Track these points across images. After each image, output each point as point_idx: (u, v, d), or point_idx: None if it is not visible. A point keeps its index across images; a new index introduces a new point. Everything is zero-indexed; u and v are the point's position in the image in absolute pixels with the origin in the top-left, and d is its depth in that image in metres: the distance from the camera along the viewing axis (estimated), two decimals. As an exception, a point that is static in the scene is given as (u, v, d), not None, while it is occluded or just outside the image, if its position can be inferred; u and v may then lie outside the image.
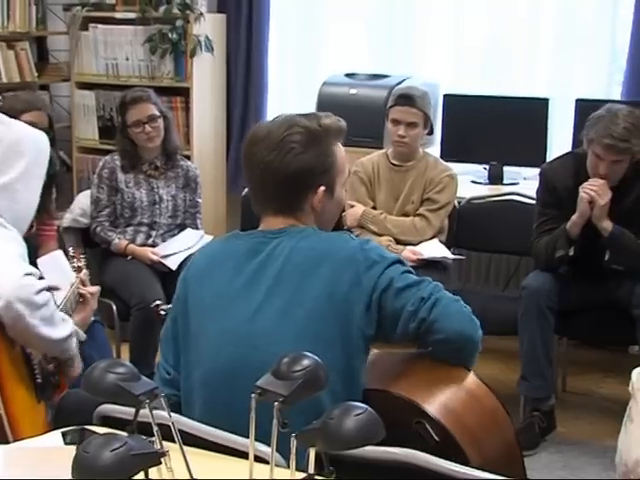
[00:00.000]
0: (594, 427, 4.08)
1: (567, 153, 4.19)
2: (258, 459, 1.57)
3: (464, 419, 2.04)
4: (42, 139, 2.78)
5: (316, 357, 1.53)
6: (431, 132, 4.45)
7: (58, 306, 2.70)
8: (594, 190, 3.79)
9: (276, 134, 2.17)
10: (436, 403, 2.05)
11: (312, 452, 1.40)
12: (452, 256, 4.32)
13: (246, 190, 4.71)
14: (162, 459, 1.34)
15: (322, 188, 2.19)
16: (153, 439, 1.41)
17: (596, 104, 3.95)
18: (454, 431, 1.98)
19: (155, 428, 1.43)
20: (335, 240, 2.18)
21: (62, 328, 2.57)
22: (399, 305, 2.09)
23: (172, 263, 4.29)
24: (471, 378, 2.15)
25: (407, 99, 4.24)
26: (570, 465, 3.82)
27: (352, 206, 4.37)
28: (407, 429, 1.99)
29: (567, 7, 5.14)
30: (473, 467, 1.86)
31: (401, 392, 2.07)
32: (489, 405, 2.12)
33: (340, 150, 2.24)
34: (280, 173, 2.15)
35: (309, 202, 2.20)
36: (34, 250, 3.96)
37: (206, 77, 5.56)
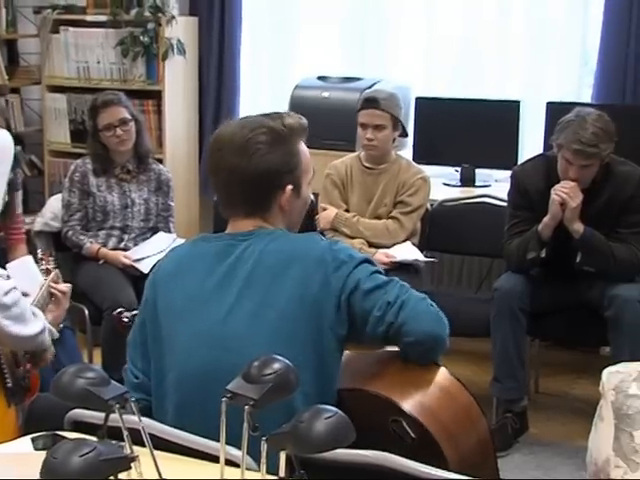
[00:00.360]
0: (566, 428, 4.10)
1: (538, 155, 4.21)
2: (229, 462, 1.57)
3: (440, 416, 2.05)
4: (5, 137, 2.77)
5: (287, 360, 1.53)
6: (405, 134, 4.46)
7: None
8: (565, 192, 3.81)
9: (240, 136, 2.17)
10: (412, 401, 2.05)
11: (283, 455, 1.40)
12: (424, 258, 4.33)
13: (219, 193, 4.72)
14: (132, 464, 1.34)
15: (290, 187, 2.19)
16: (123, 444, 1.41)
17: (566, 107, 3.98)
18: (431, 428, 1.98)
19: (125, 433, 1.42)
20: (304, 241, 2.18)
21: (34, 324, 2.56)
22: (367, 307, 2.09)
23: (144, 267, 4.27)
24: (445, 375, 2.16)
25: (371, 102, 4.25)
26: (543, 466, 3.83)
27: (325, 209, 4.37)
28: (384, 427, 2.00)
29: (538, 10, 5.16)
30: (449, 462, 1.89)
31: (377, 390, 2.07)
32: (463, 401, 2.13)
33: (304, 149, 2.25)
34: (247, 175, 2.14)
35: (277, 202, 2.19)
36: (3, 254, 3.97)
37: (178, 80, 5.54)
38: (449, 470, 1.75)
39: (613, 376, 1.43)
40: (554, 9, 5.15)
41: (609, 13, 4.84)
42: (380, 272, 2.17)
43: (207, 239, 2.27)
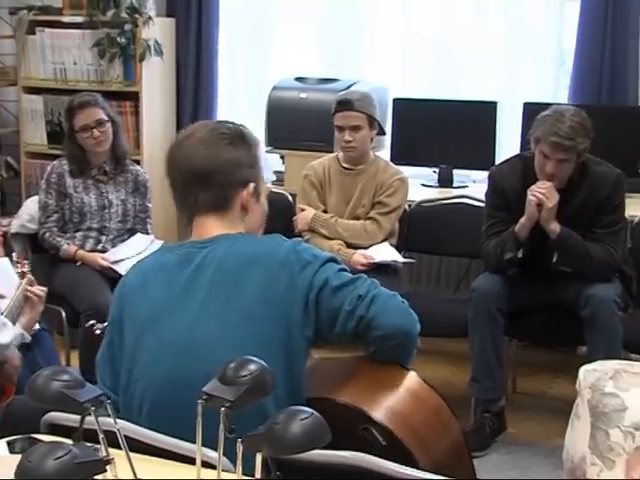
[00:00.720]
0: (544, 427, 4.11)
1: (515, 156, 4.23)
2: (206, 465, 1.57)
3: (410, 421, 2.05)
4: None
5: (262, 362, 1.53)
6: (382, 132, 4.47)
7: (1, 313, 2.68)
8: (542, 192, 3.82)
9: (203, 132, 2.19)
10: (381, 408, 2.04)
11: (259, 457, 1.40)
12: (403, 259, 4.34)
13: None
14: (107, 466, 1.33)
15: (252, 184, 2.19)
16: (99, 446, 1.40)
17: (543, 107, 3.98)
18: (401, 434, 1.98)
19: (101, 435, 1.42)
20: (267, 242, 2.17)
21: (3, 334, 2.54)
22: (336, 304, 2.08)
23: (122, 268, 4.24)
24: (413, 379, 2.16)
25: (345, 104, 4.26)
26: (520, 465, 3.85)
27: (303, 210, 4.37)
28: (354, 436, 1.99)
29: (514, 11, 5.19)
30: (422, 468, 1.87)
31: (345, 399, 2.06)
32: (433, 404, 2.13)
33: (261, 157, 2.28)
34: (211, 164, 2.14)
35: (239, 199, 2.18)
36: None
37: (155, 81, 5.53)
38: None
39: (590, 374, 1.44)
40: (531, 10, 5.18)
41: (585, 14, 4.87)
42: (346, 270, 2.17)
43: (170, 249, 2.26)
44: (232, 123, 2.25)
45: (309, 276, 2.08)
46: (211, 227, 2.18)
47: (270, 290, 2.07)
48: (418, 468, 1.85)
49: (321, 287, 2.08)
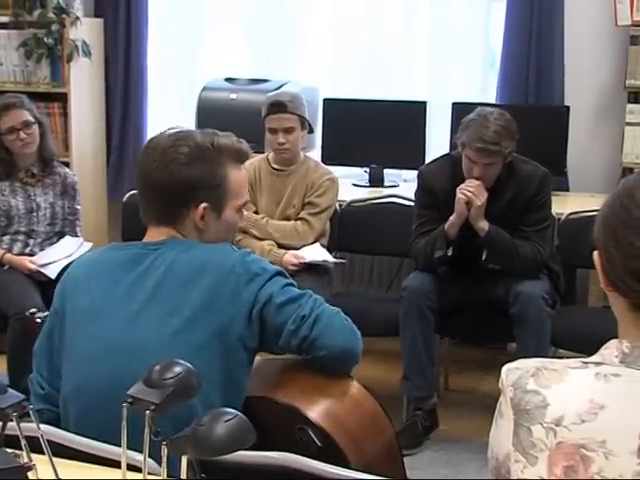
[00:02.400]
0: (476, 424, 4.15)
1: (444, 155, 4.26)
2: (132, 468, 1.56)
3: (345, 423, 2.07)
4: None
5: (188, 364, 1.52)
6: (311, 130, 4.47)
7: None
8: (470, 191, 3.86)
9: (164, 145, 2.16)
10: (318, 408, 2.06)
11: (184, 459, 1.40)
12: (334, 259, 4.34)
13: (127, 196, 4.68)
14: (29, 473, 1.31)
15: (203, 205, 2.16)
16: (21, 452, 1.38)
17: (471, 107, 4.02)
18: (335, 435, 2.00)
19: (23, 441, 1.40)
20: (216, 251, 2.16)
21: None
22: (280, 321, 2.09)
23: (51, 272, 4.20)
24: (352, 383, 2.18)
25: (278, 106, 4.25)
26: (453, 462, 3.88)
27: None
28: (290, 435, 2.01)
29: (442, 12, 5.23)
30: (354, 468, 1.88)
31: (284, 399, 2.07)
32: (369, 408, 2.15)
33: (237, 174, 2.22)
34: (159, 183, 2.14)
35: (190, 218, 2.17)
36: None
37: (84, 82, 5.47)
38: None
39: (512, 372, 1.44)
40: (457, 10, 5.22)
41: (510, 14, 4.93)
42: (293, 285, 2.16)
43: (117, 247, 2.26)
44: (202, 135, 2.20)
45: (255, 290, 2.08)
46: (162, 234, 2.18)
47: (214, 299, 2.06)
48: (350, 468, 1.87)
49: (265, 302, 2.08)
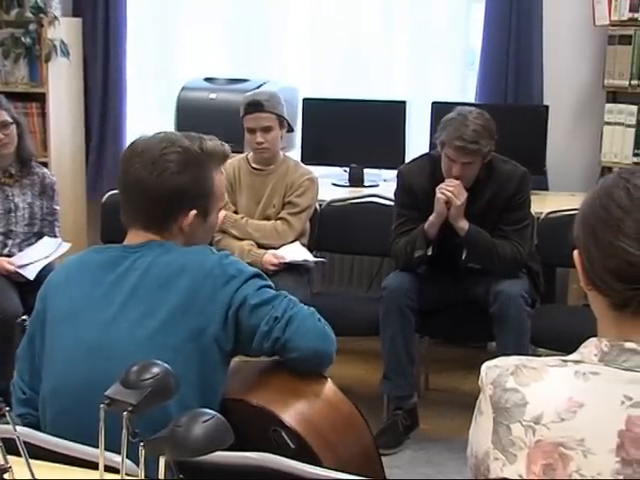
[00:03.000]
0: (456, 423, 4.15)
1: (424, 154, 4.27)
2: (110, 469, 1.55)
3: (319, 426, 2.07)
4: None
5: (166, 365, 1.52)
6: (291, 129, 4.47)
7: None
8: (450, 190, 3.86)
9: (153, 151, 2.14)
10: (292, 411, 2.06)
11: (162, 460, 1.39)
12: (314, 259, 4.34)
13: (106, 197, 4.66)
14: (5, 475, 1.30)
15: (193, 212, 2.16)
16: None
17: (451, 106, 4.03)
18: (308, 437, 2.00)
19: (-1, 443, 1.39)
20: (194, 254, 2.15)
21: None
22: (254, 322, 2.09)
23: (29, 273, 4.18)
24: (328, 385, 2.18)
25: (255, 106, 4.24)
26: (433, 461, 3.88)
27: (215, 211, 4.34)
28: (264, 437, 2.00)
29: (421, 11, 5.24)
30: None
31: (258, 401, 2.07)
32: (344, 412, 2.15)
33: (220, 177, 2.23)
34: (152, 191, 2.12)
35: (178, 224, 2.17)
36: None
37: (62, 82, 5.44)
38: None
39: (491, 370, 1.45)
40: (437, 11, 5.24)
41: (489, 15, 4.94)
42: (270, 286, 2.16)
43: (98, 250, 2.25)
44: (191, 139, 2.19)
45: (231, 292, 2.08)
46: (143, 238, 2.17)
47: (191, 301, 2.06)
48: None
49: (240, 304, 2.08)
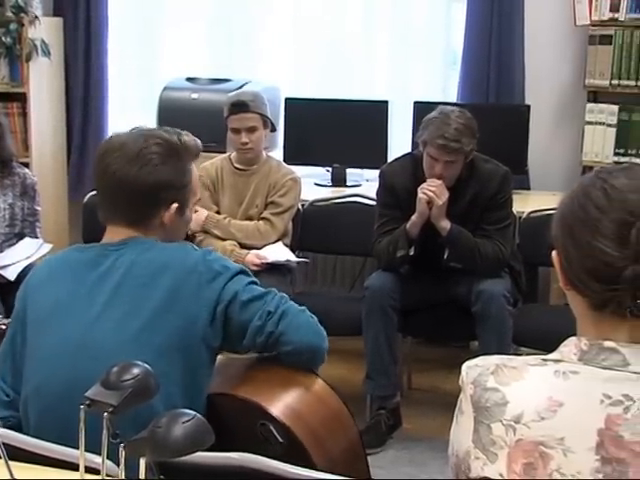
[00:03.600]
0: (439, 422, 4.15)
1: (406, 154, 4.27)
2: (91, 470, 1.55)
3: (308, 420, 2.06)
4: None
5: (146, 365, 1.51)
6: (274, 129, 4.46)
7: None
8: (432, 190, 3.86)
9: (134, 145, 2.14)
10: (280, 405, 2.05)
11: (142, 462, 1.39)
12: (296, 259, 4.33)
13: (88, 197, 4.63)
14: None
15: (175, 205, 2.17)
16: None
17: (433, 106, 4.03)
18: (297, 432, 1.99)
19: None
20: (177, 251, 2.15)
21: None
22: (245, 318, 2.08)
23: (10, 274, 4.16)
24: (316, 380, 2.17)
25: (240, 106, 4.23)
26: (416, 460, 3.88)
27: (196, 211, 4.31)
28: (252, 431, 2.00)
29: (403, 11, 5.24)
30: (317, 465, 1.90)
31: (245, 395, 2.06)
32: (333, 406, 2.14)
33: (195, 172, 2.23)
34: (137, 185, 2.11)
35: (160, 217, 2.17)
36: None
37: (43, 82, 5.42)
38: (317, 472, 1.76)
39: (472, 370, 1.45)
40: (419, 10, 5.23)
41: (471, 14, 4.95)
42: (256, 282, 2.16)
43: (79, 249, 2.24)
44: (167, 132, 2.19)
45: (218, 288, 2.08)
46: (123, 234, 2.16)
47: (175, 299, 2.05)
48: (314, 466, 1.88)
49: (230, 300, 2.08)
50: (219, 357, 2.16)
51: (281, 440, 1.97)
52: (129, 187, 2.12)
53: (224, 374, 2.18)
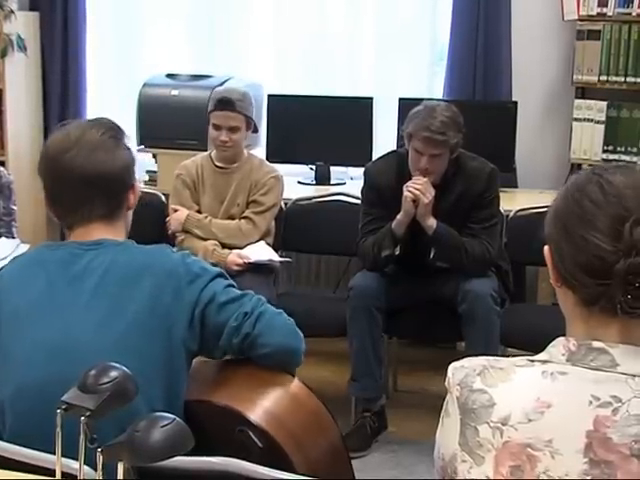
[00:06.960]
0: (425, 425, 4.09)
1: (391, 152, 4.22)
2: (68, 476, 1.52)
3: (287, 423, 2.03)
4: None
5: (124, 368, 1.48)
6: (255, 130, 4.39)
7: None
8: (417, 188, 3.81)
9: (90, 136, 2.10)
10: (258, 409, 2.02)
11: (120, 466, 1.36)
12: (279, 258, 4.28)
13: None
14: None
15: (136, 184, 2.18)
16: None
17: (418, 103, 3.98)
18: (277, 436, 1.96)
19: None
20: (156, 253, 2.12)
21: None
22: (222, 319, 2.06)
23: (-15, 274, 4.07)
24: (293, 382, 2.14)
25: (226, 103, 4.15)
26: (401, 463, 3.84)
27: (176, 210, 4.25)
28: (231, 437, 1.96)
29: (388, 7, 5.22)
30: (297, 469, 1.88)
31: (223, 401, 2.03)
32: (312, 408, 2.11)
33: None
34: (110, 171, 2.09)
35: (127, 202, 2.16)
36: None
37: (20, 78, 5.37)
38: (297, 475, 1.75)
39: (458, 371, 1.46)
40: (404, 6, 5.22)
41: (457, 10, 4.95)
42: (234, 285, 2.15)
43: (50, 247, 2.18)
44: (105, 120, 2.19)
45: (197, 290, 2.06)
46: (96, 233, 2.11)
47: (155, 302, 2.02)
48: (294, 470, 1.86)
49: (208, 302, 2.06)
50: (193, 361, 2.13)
51: (260, 444, 1.94)
52: (102, 175, 2.08)
53: (199, 379, 2.15)
